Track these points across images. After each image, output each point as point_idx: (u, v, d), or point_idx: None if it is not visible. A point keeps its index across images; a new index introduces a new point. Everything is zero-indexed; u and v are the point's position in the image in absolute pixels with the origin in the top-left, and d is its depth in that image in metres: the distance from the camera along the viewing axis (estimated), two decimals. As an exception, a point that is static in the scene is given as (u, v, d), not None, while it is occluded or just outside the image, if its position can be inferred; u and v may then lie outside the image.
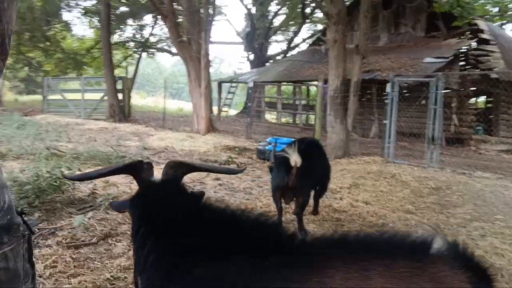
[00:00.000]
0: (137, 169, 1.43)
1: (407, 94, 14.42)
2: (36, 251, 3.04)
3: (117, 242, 3.37)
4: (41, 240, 3.29)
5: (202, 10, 12.80)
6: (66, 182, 4.63)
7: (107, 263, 2.96)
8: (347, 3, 18.22)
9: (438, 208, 5.07)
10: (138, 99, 36.23)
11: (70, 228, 3.56)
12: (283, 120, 20.84)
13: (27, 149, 6.61)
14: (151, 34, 23.77)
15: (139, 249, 1.34)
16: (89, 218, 3.85)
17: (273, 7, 27.29)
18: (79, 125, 12.86)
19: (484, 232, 4.14)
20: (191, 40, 12.48)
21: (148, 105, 29.56)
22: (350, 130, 9.79)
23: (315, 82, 11.41)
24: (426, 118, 8.58)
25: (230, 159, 7.70)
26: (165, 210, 1.32)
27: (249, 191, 5.50)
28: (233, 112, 26.40)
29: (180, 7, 13.47)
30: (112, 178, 5.50)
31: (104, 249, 3.22)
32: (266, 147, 8.39)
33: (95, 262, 2.96)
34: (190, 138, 10.47)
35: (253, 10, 26.48)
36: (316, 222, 4.26)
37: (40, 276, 2.64)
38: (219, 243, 1.20)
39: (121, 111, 15.27)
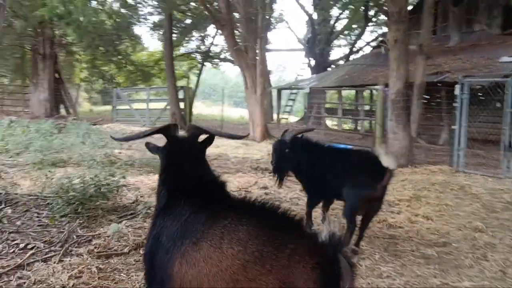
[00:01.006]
0: (167, 130, 1.97)
1: (482, 98, 13.19)
2: (66, 259, 3.02)
3: (149, 253, 3.26)
4: (75, 248, 3.28)
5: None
6: (113, 188, 4.68)
7: (133, 276, 2.86)
8: (412, 3, 17.26)
9: (514, 226, 4.38)
10: (203, 108, 37.44)
11: (106, 236, 3.53)
12: (344, 126, 20.11)
13: (85, 156, 6.89)
14: (211, 44, 24.30)
15: (160, 184, 1.93)
16: (127, 226, 3.81)
17: (335, 11, 26.66)
18: (142, 133, 13.35)
19: None
20: (247, 48, 12.47)
21: (212, 114, 30.22)
22: (414, 136, 9.07)
23: (377, 86, 10.78)
24: (502, 123, 7.66)
25: (281, 167, 7.42)
26: (181, 155, 1.92)
27: (296, 202, 5.19)
28: (294, 119, 26.09)
29: (237, 15, 13.55)
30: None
31: (134, 260, 3.13)
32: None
33: (121, 274, 2.87)
34: (245, 146, 10.38)
35: (315, 16, 26.05)
36: (366, 239, 3.82)
37: (63, 287, 2.59)
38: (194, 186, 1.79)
39: (182, 120, 15.68)
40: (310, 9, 26.52)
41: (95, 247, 3.24)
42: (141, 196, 5.04)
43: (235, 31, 14.00)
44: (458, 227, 4.32)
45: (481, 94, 13.11)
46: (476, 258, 3.45)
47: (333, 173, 3.71)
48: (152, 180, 5.86)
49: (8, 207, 4.20)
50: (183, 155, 1.90)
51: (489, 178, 6.86)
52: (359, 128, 18.14)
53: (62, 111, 19.70)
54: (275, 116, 22.68)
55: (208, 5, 13.46)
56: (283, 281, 1.28)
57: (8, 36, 15.64)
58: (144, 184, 5.61)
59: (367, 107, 18.12)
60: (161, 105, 17.69)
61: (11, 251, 3.12)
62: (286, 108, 24.22)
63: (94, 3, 18.67)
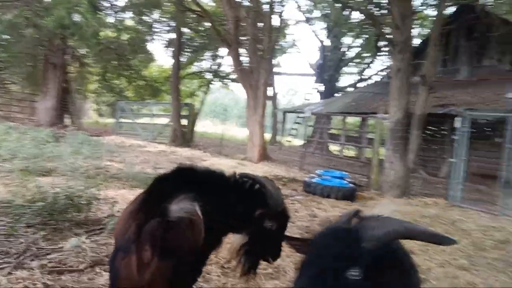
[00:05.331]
0: None
1: (489, 132, 12.96)
2: (17, 272, 2.89)
3: (105, 272, 3.11)
4: (30, 261, 3.14)
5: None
6: (87, 201, 4.56)
7: (80, 294, 2.71)
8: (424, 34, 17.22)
9: (500, 266, 4.15)
10: (211, 126, 37.67)
11: (66, 251, 3.39)
12: (346, 153, 19.94)
13: (71, 167, 6.81)
14: (221, 64, 24.67)
15: None
16: (92, 241, 3.68)
17: (347, 40, 26.97)
18: (141, 147, 13.34)
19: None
20: (252, 69, 12.51)
21: (216, 132, 30.36)
22: (410, 167, 8.87)
23: (377, 115, 10.67)
24: (501, 158, 7.47)
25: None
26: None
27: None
28: (299, 142, 26.01)
29: (244, 38, 13.67)
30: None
31: (88, 279, 2.98)
32: (313, 180, 7.86)
33: (68, 292, 2.72)
34: (241, 166, 10.25)
35: (327, 42, 26.38)
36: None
37: (1, 302, 2.45)
38: None
39: (183, 136, 15.65)
40: (323, 36, 26.85)
41: (49, 262, 3.10)
42: (117, 211, 4.92)
43: (244, 52, 14.14)
44: (441, 264, 4.10)
45: (486, 129, 12.95)
46: (452, 299, 3.25)
47: None
48: (133, 194, 5.73)
49: (-23, 213, 4.11)
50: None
51: (484, 215, 6.61)
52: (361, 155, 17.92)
53: (67, 121, 19.85)
54: (279, 138, 22.66)
55: (218, 26, 13.64)
56: (145, 220, 1.84)
57: (21, 44, 15.92)
58: (125, 198, 5.48)
59: (371, 135, 17.92)
60: (165, 120, 17.74)
61: (-38, 259, 3.00)
62: (291, 131, 24.25)
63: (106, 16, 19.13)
